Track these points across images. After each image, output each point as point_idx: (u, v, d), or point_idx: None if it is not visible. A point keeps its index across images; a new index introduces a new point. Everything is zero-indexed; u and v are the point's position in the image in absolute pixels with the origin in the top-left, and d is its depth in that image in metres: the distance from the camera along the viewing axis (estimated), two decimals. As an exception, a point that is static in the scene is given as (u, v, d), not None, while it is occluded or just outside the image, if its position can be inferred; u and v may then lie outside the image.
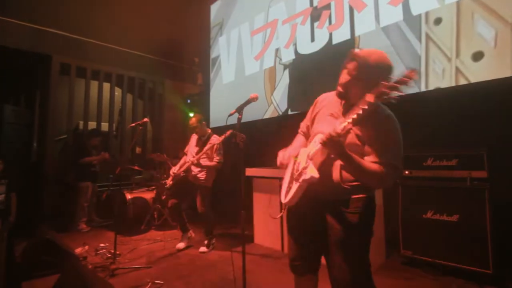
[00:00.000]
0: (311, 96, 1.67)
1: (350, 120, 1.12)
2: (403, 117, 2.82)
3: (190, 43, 5.86)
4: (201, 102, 5.72)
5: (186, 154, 3.55)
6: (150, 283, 2.41)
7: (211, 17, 5.41)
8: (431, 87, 2.63)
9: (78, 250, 3.15)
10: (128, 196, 4.16)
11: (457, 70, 2.48)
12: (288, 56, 3.86)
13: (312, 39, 3.58)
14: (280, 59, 3.95)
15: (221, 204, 4.26)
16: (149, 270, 2.76)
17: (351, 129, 1.17)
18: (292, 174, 1.43)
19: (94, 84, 5.18)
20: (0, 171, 3.16)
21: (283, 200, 1.41)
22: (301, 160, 1.38)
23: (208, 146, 3.22)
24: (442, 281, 2.34)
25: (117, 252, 3.02)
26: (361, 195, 1.33)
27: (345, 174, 1.32)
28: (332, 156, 1.29)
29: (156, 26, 5.21)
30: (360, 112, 1.10)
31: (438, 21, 2.59)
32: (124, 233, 3.91)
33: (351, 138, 1.30)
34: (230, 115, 1.75)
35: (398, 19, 2.83)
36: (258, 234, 3.50)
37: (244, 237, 1.70)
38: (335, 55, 3.33)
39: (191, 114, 5.78)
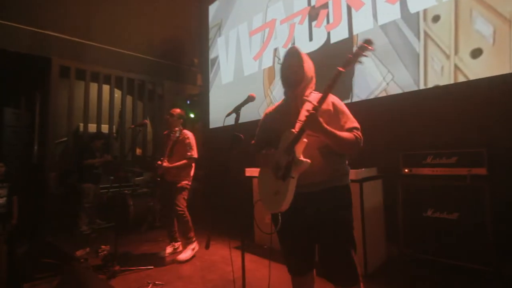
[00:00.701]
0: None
1: (325, 89, 1.38)
2: (402, 115, 2.85)
3: (189, 44, 5.87)
4: (201, 103, 5.72)
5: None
6: (151, 284, 2.42)
7: (209, 18, 5.41)
8: (430, 84, 2.63)
9: (79, 252, 3.17)
10: (129, 198, 4.17)
11: (456, 67, 2.47)
12: (286, 55, 3.86)
13: (310, 38, 3.58)
14: (279, 59, 3.95)
15: (220, 204, 4.26)
16: (150, 271, 2.77)
17: (327, 96, 1.39)
18: (274, 177, 1.45)
19: (93, 86, 5.19)
20: (1, 174, 3.16)
21: (280, 209, 1.38)
22: (278, 158, 1.44)
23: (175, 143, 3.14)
24: (443, 279, 2.33)
25: (118, 254, 3.04)
26: (338, 184, 1.45)
27: (324, 162, 1.43)
28: (312, 136, 1.39)
29: (155, 28, 5.22)
30: (333, 79, 1.38)
31: (436, 18, 2.58)
32: (125, 234, 3.92)
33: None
34: (228, 115, 1.74)
35: (396, 17, 2.82)
36: (259, 233, 3.50)
37: (243, 237, 1.69)
38: (333, 54, 3.33)
39: (192, 115, 5.79)
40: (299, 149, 1.38)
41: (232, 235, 3.80)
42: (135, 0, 4.73)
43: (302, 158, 1.36)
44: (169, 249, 3.23)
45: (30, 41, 4.28)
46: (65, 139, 4.97)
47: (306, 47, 3.63)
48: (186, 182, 3.18)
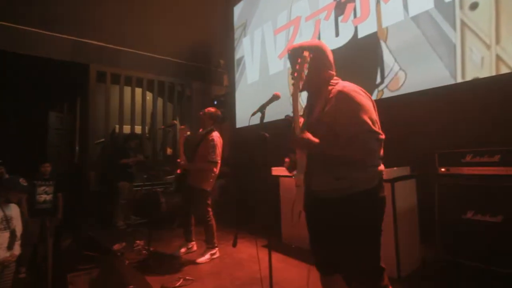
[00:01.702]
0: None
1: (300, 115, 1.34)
2: (437, 111, 2.68)
3: (215, 45, 5.98)
4: (227, 103, 5.81)
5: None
6: (181, 279, 2.51)
7: (234, 19, 5.47)
8: (469, 77, 2.44)
9: (116, 246, 3.37)
10: (161, 196, 4.36)
11: (498, 57, 2.27)
12: (312, 52, 3.79)
13: (337, 34, 3.48)
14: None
15: (248, 203, 4.30)
16: (181, 266, 2.87)
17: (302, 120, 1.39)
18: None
19: (127, 90, 5.48)
20: (47, 173, 3.43)
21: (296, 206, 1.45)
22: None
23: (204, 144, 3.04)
24: (483, 286, 2.17)
25: (151, 249, 3.19)
26: (351, 192, 1.30)
27: (325, 171, 1.34)
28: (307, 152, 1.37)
29: (182, 31, 5.38)
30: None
31: (474, 6, 2.39)
32: (158, 230, 4.10)
33: (323, 129, 1.33)
34: (253, 114, 1.75)
35: (429, 7, 2.66)
36: (286, 232, 3.49)
37: (270, 236, 1.70)
38: (361, 49, 3.22)
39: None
40: (302, 163, 1.40)
41: (260, 234, 3.83)
42: (163, 7, 4.91)
43: (296, 174, 1.41)
44: (183, 249, 3.25)
45: (70, 50, 4.62)
46: (103, 140, 5.31)
47: (332, 43, 3.54)
48: (206, 187, 3.08)
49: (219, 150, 3.08)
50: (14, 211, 2.06)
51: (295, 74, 1.31)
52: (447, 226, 2.44)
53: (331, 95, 1.33)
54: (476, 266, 2.26)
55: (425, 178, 2.67)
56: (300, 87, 1.33)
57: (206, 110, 3.25)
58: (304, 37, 3.91)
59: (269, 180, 3.60)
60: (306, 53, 1.30)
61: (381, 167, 1.38)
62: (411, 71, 2.83)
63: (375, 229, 1.33)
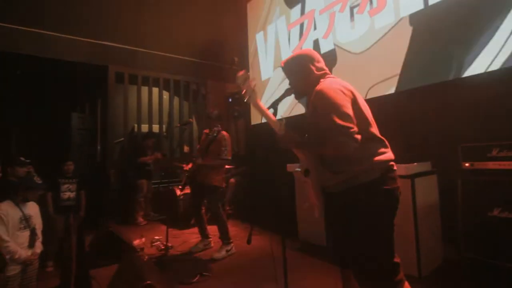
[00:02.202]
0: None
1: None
2: (461, 102, 2.54)
3: (229, 43, 5.98)
4: (242, 101, 5.81)
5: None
6: (198, 275, 2.55)
7: (247, 16, 5.44)
8: (494, 67, 2.29)
9: (136, 242, 3.46)
10: (179, 193, 4.44)
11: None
12: (327, 46, 3.71)
13: (352, 26, 3.38)
14: (319, 51, 3.81)
15: (264, 200, 4.30)
16: (198, 262, 2.92)
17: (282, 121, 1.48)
18: None
19: (144, 90, 5.60)
20: (70, 171, 3.57)
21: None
22: None
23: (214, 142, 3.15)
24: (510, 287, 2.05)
25: (170, 245, 3.26)
26: (350, 186, 1.33)
27: (324, 168, 1.41)
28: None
29: (196, 30, 5.42)
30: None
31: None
32: (176, 227, 4.19)
33: (312, 128, 1.44)
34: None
35: (451, -7, 2.52)
36: (302, 229, 3.46)
37: (283, 234, 1.69)
38: (378, 40, 3.11)
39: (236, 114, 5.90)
40: (302, 158, 1.54)
41: (275, 231, 3.82)
42: (177, 7, 4.96)
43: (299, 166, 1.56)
44: (200, 245, 3.31)
45: (90, 52, 4.77)
46: (122, 139, 5.47)
47: (347, 36, 3.45)
48: (217, 183, 3.18)
49: (229, 148, 3.21)
50: (32, 209, 2.12)
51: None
52: (471, 224, 2.32)
53: (313, 96, 1.41)
54: (502, 266, 2.14)
55: (447, 173, 2.55)
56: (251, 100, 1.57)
57: (211, 113, 3.36)
58: (319, 31, 3.82)
59: (284, 176, 3.58)
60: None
61: (385, 156, 1.35)
62: (430, 61, 2.70)
63: (381, 223, 1.30)
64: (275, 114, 1.71)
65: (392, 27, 2.99)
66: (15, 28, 4.11)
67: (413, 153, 2.76)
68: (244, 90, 1.44)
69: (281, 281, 1.65)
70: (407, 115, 2.96)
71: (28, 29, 4.21)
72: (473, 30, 2.40)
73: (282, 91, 1.70)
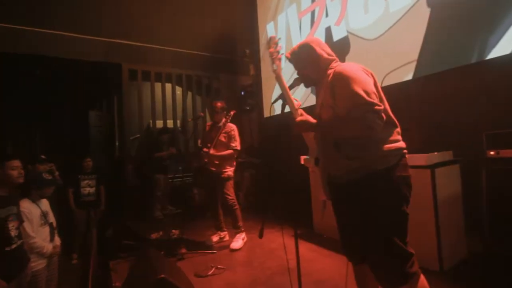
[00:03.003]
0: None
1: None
2: (484, 87, 2.38)
3: (240, 35, 5.92)
4: (254, 93, 5.76)
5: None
6: (213, 268, 2.57)
7: (257, 6, 5.35)
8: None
9: (153, 235, 3.55)
10: (194, 187, 4.50)
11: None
12: (340, 33, 3.58)
13: (366, 11, 3.24)
14: (331, 39, 3.68)
15: (278, 192, 4.27)
16: (213, 255, 2.95)
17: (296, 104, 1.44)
18: None
19: (158, 86, 5.66)
20: (90, 167, 3.69)
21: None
22: None
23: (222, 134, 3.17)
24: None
25: (185, 238, 3.32)
26: (364, 173, 1.27)
27: (339, 156, 1.34)
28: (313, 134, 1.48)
29: (206, 24, 5.40)
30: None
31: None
32: (192, 220, 4.25)
33: (326, 111, 1.36)
34: (274, 102, 1.68)
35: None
36: (318, 222, 3.42)
37: (295, 225, 1.66)
38: (393, 24, 2.96)
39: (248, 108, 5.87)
40: (312, 147, 1.55)
41: (289, 223, 3.80)
42: (186, 2, 4.95)
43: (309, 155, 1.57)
44: (215, 238, 3.35)
45: (104, 50, 4.85)
46: (138, 135, 5.57)
47: (361, 22, 3.31)
48: (230, 172, 3.25)
49: (239, 139, 3.27)
50: (47, 205, 2.22)
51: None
52: (497, 215, 2.20)
53: (329, 78, 1.34)
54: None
55: (471, 163, 2.41)
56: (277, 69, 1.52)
57: (215, 106, 3.33)
58: (331, 18, 3.69)
59: (298, 168, 3.53)
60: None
61: (400, 143, 1.32)
62: (450, 45, 2.54)
63: (395, 212, 1.25)
64: (284, 105, 1.67)
65: (409, 9, 2.83)
66: (34, 30, 4.24)
67: (433, 142, 2.64)
68: (274, 56, 1.42)
69: (295, 274, 1.62)
70: (426, 102, 2.82)
71: (45, 30, 4.32)
72: (497, 9, 2.23)
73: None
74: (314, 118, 1.45)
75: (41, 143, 5.20)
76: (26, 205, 2.06)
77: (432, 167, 2.24)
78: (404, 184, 1.27)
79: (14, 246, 1.71)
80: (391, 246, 1.22)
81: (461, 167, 2.50)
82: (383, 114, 1.18)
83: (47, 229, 2.13)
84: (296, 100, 1.52)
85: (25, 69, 4.65)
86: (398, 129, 1.35)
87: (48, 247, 2.07)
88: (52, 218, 2.23)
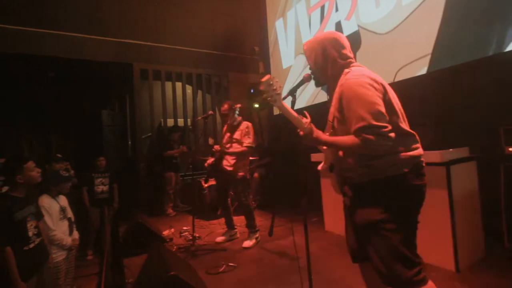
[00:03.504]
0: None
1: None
2: (502, 81, 2.29)
3: (248, 33, 5.90)
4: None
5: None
6: (224, 265, 2.59)
7: (266, 3, 5.31)
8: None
9: (165, 232, 3.60)
10: (204, 185, 4.54)
11: None
12: (350, 28, 3.51)
13: (377, 5, 3.16)
14: (342, 33, 3.62)
15: (289, 190, 4.26)
16: (224, 253, 2.97)
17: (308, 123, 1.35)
18: None
19: (168, 85, 5.72)
20: (103, 166, 3.76)
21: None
22: None
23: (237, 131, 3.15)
24: None
25: (197, 235, 3.35)
26: (374, 178, 1.25)
27: (352, 159, 1.32)
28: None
29: (215, 22, 5.41)
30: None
31: None
32: (203, 217, 4.29)
33: (337, 124, 1.34)
34: (283, 99, 1.66)
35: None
36: (329, 221, 3.38)
37: (306, 224, 1.64)
38: (406, 18, 2.88)
39: (256, 105, 5.87)
40: (326, 152, 1.54)
41: (300, 221, 3.78)
42: (195, 1, 4.98)
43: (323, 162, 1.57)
44: (226, 236, 3.35)
45: (115, 51, 4.94)
46: (150, 134, 5.66)
47: (372, 16, 3.23)
48: (244, 173, 3.21)
49: (253, 135, 3.23)
50: (65, 201, 2.32)
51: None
52: (517, 214, 2.12)
53: (338, 88, 1.31)
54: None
55: (488, 159, 2.33)
56: (276, 102, 1.36)
57: (221, 107, 3.35)
58: (341, 12, 3.63)
59: (309, 167, 3.50)
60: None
61: (416, 152, 1.27)
62: (465, 37, 2.45)
63: (403, 218, 1.23)
64: (294, 101, 1.64)
65: (422, 2, 2.75)
66: (47, 32, 4.34)
67: (449, 138, 2.56)
68: (270, 97, 1.34)
69: (305, 272, 1.61)
70: (440, 97, 2.73)
71: (59, 32, 4.43)
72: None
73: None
74: (327, 124, 1.42)
75: (56, 143, 5.35)
76: (46, 200, 2.16)
77: (447, 164, 2.18)
78: (417, 193, 1.25)
79: (32, 245, 1.78)
80: (394, 253, 1.20)
81: (478, 164, 2.42)
82: (390, 134, 1.16)
83: (66, 223, 2.23)
84: (306, 116, 1.42)
85: (39, 71, 4.78)
86: (414, 137, 1.31)
87: (67, 239, 2.18)
88: (70, 213, 2.33)
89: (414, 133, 1.31)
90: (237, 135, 3.19)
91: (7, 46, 4.07)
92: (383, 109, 1.18)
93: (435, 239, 2.14)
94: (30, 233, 1.79)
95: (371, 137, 1.14)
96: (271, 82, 1.31)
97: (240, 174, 3.18)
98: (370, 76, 1.26)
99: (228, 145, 3.21)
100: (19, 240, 1.72)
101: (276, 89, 1.32)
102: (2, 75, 4.55)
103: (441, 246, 2.14)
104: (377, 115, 1.15)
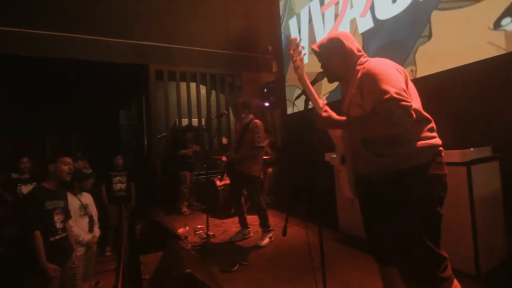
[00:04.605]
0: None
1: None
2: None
3: (262, 32, 5.89)
4: (277, 90, 5.72)
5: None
6: (238, 264, 2.60)
7: (279, 1, 5.28)
8: None
9: (180, 230, 3.66)
10: (219, 183, 4.58)
11: None
12: (365, 25, 3.44)
13: (394, 0, 3.08)
14: (357, 31, 3.55)
15: (303, 190, 4.23)
16: (238, 251, 2.99)
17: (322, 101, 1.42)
18: None
19: (183, 85, 5.80)
20: (120, 164, 3.87)
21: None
22: None
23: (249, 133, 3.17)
24: None
25: (211, 233, 3.39)
26: (394, 170, 1.23)
27: (367, 153, 1.30)
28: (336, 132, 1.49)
29: (228, 22, 5.44)
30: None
31: None
32: (217, 216, 4.33)
33: (354, 109, 1.32)
34: (297, 98, 1.65)
35: None
36: (343, 221, 3.33)
37: (320, 224, 1.63)
38: (424, 13, 2.79)
39: (266, 104, 5.86)
40: (339, 144, 1.52)
41: (314, 221, 3.74)
42: (208, 1, 5.02)
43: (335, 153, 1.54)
44: (239, 235, 3.37)
45: (131, 53, 5.06)
46: (165, 134, 5.76)
47: (388, 12, 3.16)
48: (257, 172, 3.23)
49: (263, 136, 3.24)
50: (88, 198, 2.40)
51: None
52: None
53: (359, 75, 1.31)
54: None
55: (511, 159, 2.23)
56: (298, 69, 1.43)
57: (239, 100, 3.40)
58: (355, 10, 3.56)
59: (323, 166, 3.46)
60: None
61: (435, 140, 1.24)
62: (488, 30, 2.35)
63: (428, 211, 1.19)
64: (307, 100, 1.63)
65: (441, -4, 2.65)
66: (68, 36, 4.51)
67: (470, 136, 2.47)
68: (295, 57, 1.39)
69: (320, 273, 1.60)
70: (461, 93, 2.63)
71: (78, 35, 4.59)
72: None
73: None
74: (341, 116, 1.41)
75: (77, 142, 5.55)
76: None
77: (468, 164, 2.10)
78: (438, 183, 1.21)
79: (58, 237, 1.87)
80: (421, 248, 1.16)
81: (500, 164, 2.31)
82: (412, 111, 1.12)
83: (86, 219, 2.31)
84: (322, 98, 1.48)
85: (60, 73, 4.96)
86: (432, 125, 1.28)
87: (84, 236, 2.25)
88: (93, 211, 2.41)
89: (432, 119, 1.29)
90: (248, 136, 3.21)
91: (29, 49, 4.25)
92: (405, 88, 1.18)
93: (455, 241, 2.07)
94: (57, 225, 1.87)
95: (394, 109, 1.11)
96: (298, 43, 1.39)
97: (253, 174, 3.19)
98: (390, 61, 1.29)
99: (235, 149, 3.24)
100: (48, 229, 1.81)
101: (300, 53, 1.39)
102: (24, 77, 4.76)
103: (461, 248, 2.07)
104: (400, 91, 1.14)
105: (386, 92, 1.13)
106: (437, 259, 1.16)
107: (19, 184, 2.96)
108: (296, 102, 1.78)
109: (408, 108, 1.11)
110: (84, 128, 5.59)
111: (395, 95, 1.11)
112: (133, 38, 5.02)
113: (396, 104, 1.11)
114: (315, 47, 1.48)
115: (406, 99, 1.12)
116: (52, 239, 1.82)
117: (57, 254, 1.85)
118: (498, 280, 2.00)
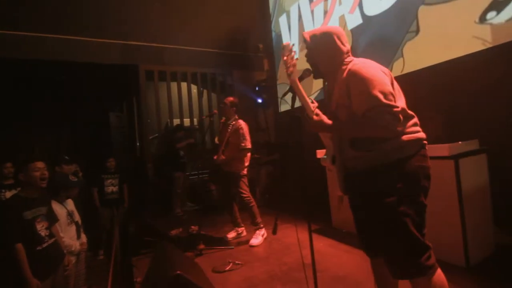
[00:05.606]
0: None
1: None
2: (508, 68, 2.20)
3: (252, 30, 5.87)
4: (269, 88, 5.71)
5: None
6: (231, 264, 2.60)
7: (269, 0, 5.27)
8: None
9: (173, 232, 3.64)
10: (211, 184, 4.56)
11: None
12: (354, 21, 3.45)
13: (381, -4, 3.09)
14: (346, 27, 3.56)
15: (295, 188, 4.24)
16: (230, 251, 2.98)
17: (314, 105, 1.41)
18: None
19: (174, 85, 5.75)
20: (112, 167, 3.83)
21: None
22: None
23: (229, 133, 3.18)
24: None
25: (202, 233, 3.37)
26: (380, 162, 1.26)
27: (355, 150, 1.33)
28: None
29: (218, 21, 5.40)
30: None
31: None
32: (210, 216, 4.31)
33: (343, 112, 1.33)
34: (284, 95, 1.64)
35: None
36: (336, 217, 3.35)
37: (309, 220, 1.63)
38: (409, 10, 2.81)
39: (260, 100, 5.85)
40: (328, 143, 1.51)
41: (307, 219, 3.75)
42: (197, 1, 4.97)
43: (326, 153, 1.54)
44: (232, 234, 3.36)
45: (121, 53, 4.99)
46: (157, 135, 5.71)
47: (376, 8, 3.17)
48: (242, 170, 3.24)
49: (248, 137, 3.23)
50: (72, 205, 2.33)
51: (287, 66, 1.40)
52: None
53: (344, 76, 1.31)
54: None
55: (499, 151, 2.26)
56: (292, 75, 1.39)
57: (226, 101, 3.37)
58: (344, 6, 3.57)
59: (315, 163, 3.47)
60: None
61: (420, 134, 1.29)
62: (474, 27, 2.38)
63: (412, 201, 1.22)
64: (294, 98, 1.63)
65: (428, -9, 2.67)
66: (55, 37, 4.43)
67: (457, 129, 2.49)
68: (288, 63, 1.37)
69: (311, 270, 1.60)
70: (448, 86, 2.66)
71: (66, 37, 4.51)
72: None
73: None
74: (329, 115, 1.41)
75: (66, 145, 5.47)
76: (54, 207, 2.16)
77: (456, 157, 2.12)
78: (423, 174, 1.25)
79: (45, 245, 1.80)
80: (407, 237, 1.19)
81: (488, 157, 2.34)
82: (400, 116, 1.18)
83: (73, 227, 2.25)
84: (312, 101, 1.46)
85: (48, 75, 4.87)
86: (416, 121, 1.32)
87: (75, 245, 2.20)
88: (77, 217, 2.35)
89: (415, 115, 1.33)
90: (232, 138, 3.20)
91: (17, 50, 4.17)
92: (392, 91, 1.22)
93: (444, 234, 2.10)
94: (42, 233, 1.80)
95: (383, 115, 1.16)
96: (290, 49, 1.37)
97: (238, 172, 3.22)
98: (375, 63, 1.31)
99: (221, 152, 3.24)
100: (32, 239, 1.74)
101: (293, 59, 1.38)
102: (12, 80, 4.67)
103: (451, 241, 2.10)
104: (388, 95, 1.18)
105: (376, 98, 1.17)
106: (422, 248, 1.20)
107: (3, 190, 2.90)
108: (285, 98, 1.76)
109: (397, 114, 1.17)
110: (74, 131, 5.51)
111: (385, 101, 1.16)
112: (122, 38, 4.95)
113: (386, 110, 1.16)
114: (306, 35, 1.45)
115: (395, 105, 1.18)
116: (39, 247, 1.75)
117: (48, 262, 1.80)
118: (487, 272, 2.02)
